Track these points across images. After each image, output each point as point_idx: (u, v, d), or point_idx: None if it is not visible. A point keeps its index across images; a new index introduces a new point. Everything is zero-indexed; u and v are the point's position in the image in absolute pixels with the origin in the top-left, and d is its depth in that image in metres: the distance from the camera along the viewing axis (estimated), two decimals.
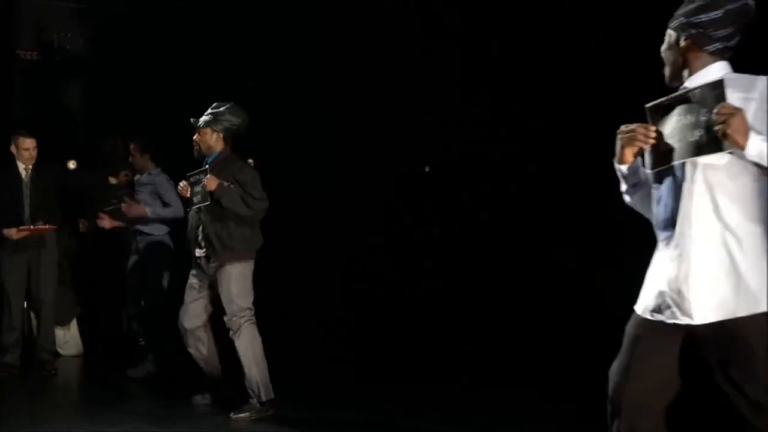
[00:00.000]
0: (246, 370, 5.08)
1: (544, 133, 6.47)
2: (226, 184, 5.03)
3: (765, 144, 2.40)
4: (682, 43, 2.70)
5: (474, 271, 7.17)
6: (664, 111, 2.61)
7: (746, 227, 2.53)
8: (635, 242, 5.93)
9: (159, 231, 6.46)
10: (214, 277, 5.13)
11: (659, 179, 2.69)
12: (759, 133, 2.40)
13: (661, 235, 2.70)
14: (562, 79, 6.29)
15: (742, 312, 2.50)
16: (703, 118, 2.45)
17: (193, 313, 5.25)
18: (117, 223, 6.58)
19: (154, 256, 6.45)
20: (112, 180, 6.67)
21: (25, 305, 6.83)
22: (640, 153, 2.74)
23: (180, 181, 5.38)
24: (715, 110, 2.38)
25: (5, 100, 9.04)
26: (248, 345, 5.08)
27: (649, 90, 5.69)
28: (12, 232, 6.37)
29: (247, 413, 5.08)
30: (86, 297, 7.59)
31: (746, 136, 2.36)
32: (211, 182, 4.98)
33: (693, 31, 2.66)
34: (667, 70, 2.79)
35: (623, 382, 2.82)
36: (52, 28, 9.36)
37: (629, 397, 2.80)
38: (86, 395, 6.43)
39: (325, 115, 7.86)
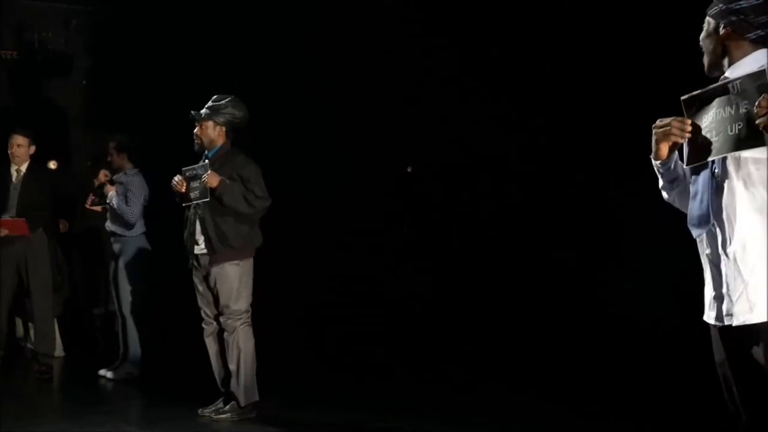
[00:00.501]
0: (234, 371, 4.95)
1: (542, 133, 6.44)
2: (228, 180, 4.89)
3: None
4: (722, 31, 2.61)
5: (472, 271, 7.13)
6: (700, 103, 2.50)
7: None
8: (634, 242, 6.07)
9: (133, 232, 6.40)
10: (212, 275, 4.98)
11: (696, 174, 2.59)
12: None
13: (695, 232, 2.59)
14: (561, 79, 6.26)
15: None
16: (743, 111, 2.35)
17: (206, 315, 5.14)
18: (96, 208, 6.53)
19: (128, 258, 6.40)
20: (96, 181, 6.53)
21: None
22: (677, 148, 2.64)
23: (173, 178, 5.19)
24: (756, 102, 2.28)
25: None
26: (241, 347, 4.95)
27: (648, 90, 5.74)
28: None
29: (229, 414, 4.98)
30: (66, 298, 7.48)
31: None
32: (212, 178, 4.83)
33: (733, 18, 2.56)
34: (705, 59, 2.69)
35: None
36: (34, 27, 9.20)
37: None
38: (67, 396, 6.39)
39: (317, 114, 7.82)
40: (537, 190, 6.56)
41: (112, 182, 6.44)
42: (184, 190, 4.98)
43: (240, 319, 4.95)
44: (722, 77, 2.56)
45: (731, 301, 2.46)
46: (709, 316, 2.58)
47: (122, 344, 6.49)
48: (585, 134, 6.09)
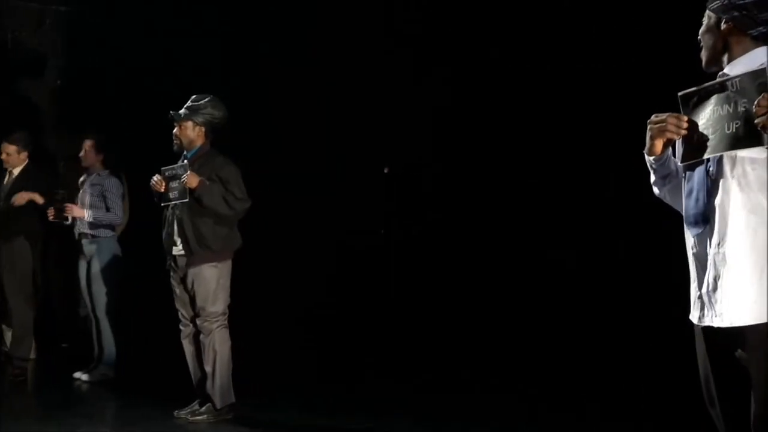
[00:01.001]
0: (209, 373, 4.93)
1: (542, 133, 6.40)
2: (207, 181, 4.85)
3: None
4: (723, 26, 2.55)
5: (466, 271, 7.08)
6: (697, 100, 2.46)
7: None
8: (634, 243, 6.07)
9: (109, 233, 6.37)
10: (190, 277, 4.94)
11: (691, 171, 2.55)
12: None
13: (692, 231, 2.55)
14: (561, 79, 6.24)
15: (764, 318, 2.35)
16: (742, 109, 2.30)
17: (184, 317, 5.11)
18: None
19: (104, 259, 6.35)
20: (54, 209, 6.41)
21: None
22: (671, 144, 2.60)
23: (152, 177, 5.13)
24: (756, 101, 2.23)
25: None
26: (217, 349, 4.92)
27: (648, 90, 5.74)
28: None
29: (205, 416, 4.95)
30: (40, 299, 7.17)
31: None
32: (192, 179, 4.79)
33: (735, 14, 2.50)
34: (704, 55, 2.64)
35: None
36: (7, 27, 8.99)
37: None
38: (41, 398, 6.33)
39: (297, 114, 7.78)
40: (536, 190, 6.53)
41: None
42: (162, 190, 4.93)
43: (216, 321, 4.92)
44: (720, 74, 2.53)
45: (717, 301, 2.43)
46: (693, 316, 2.56)
47: (97, 346, 6.43)
48: (584, 134, 6.06)
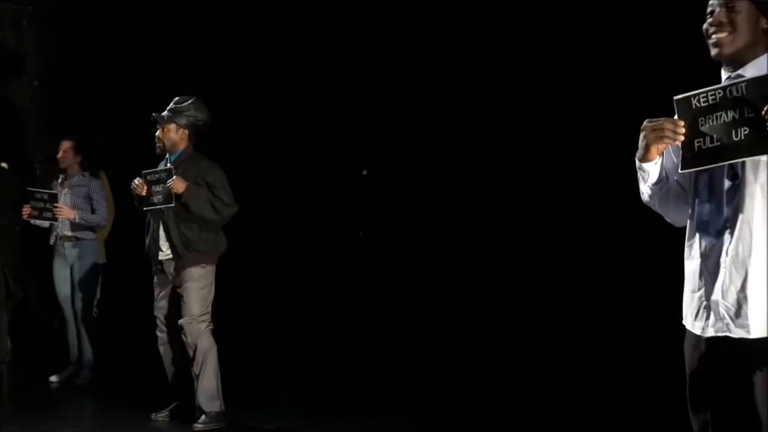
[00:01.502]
0: (198, 380, 4.82)
1: (542, 133, 6.38)
2: (194, 186, 4.78)
3: None
4: (765, 24, 2.37)
5: (464, 272, 7.00)
6: (696, 105, 2.33)
7: None
8: (633, 243, 6.05)
9: (88, 236, 6.32)
10: (176, 281, 4.88)
11: (702, 176, 2.41)
12: None
13: (702, 239, 2.40)
14: (558, 79, 6.24)
15: None
16: (749, 115, 2.20)
17: (164, 321, 5.03)
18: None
19: (89, 262, 6.33)
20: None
21: None
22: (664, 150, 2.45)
23: (133, 180, 5.06)
24: (766, 108, 2.14)
25: None
26: (205, 354, 4.82)
27: (647, 90, 5.72)
28: None
29: (202, 425, 4.82)
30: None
31: None
32: (178, 184, 4.71)
33: None
34: (727, 42, 2.40)
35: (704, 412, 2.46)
36: None
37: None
38: (17, 402, 6.02)
39: (277, 116, 7.71)
40: (535, 190, 6.49)
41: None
42: (144, 194, 4.87)
43: (203, 322, 4.85)
44: (735, 74, 2.38)
45: (732, 312, 2.31)
46: (695, 325, 2.45)
47: (77, 350, 6.40)
48: (584, 134, 6.04)
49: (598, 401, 5.41)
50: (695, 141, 2.32)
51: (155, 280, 4.99)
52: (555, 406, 5.41)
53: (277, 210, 7.26)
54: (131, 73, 7.84)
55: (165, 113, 4.91)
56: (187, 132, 4.90)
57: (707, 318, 2.38)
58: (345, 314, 7.49)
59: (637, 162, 2.48)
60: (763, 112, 2.14)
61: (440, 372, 6.44)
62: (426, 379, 6.28)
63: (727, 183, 2.35)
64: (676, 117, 2.38)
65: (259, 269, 7.24)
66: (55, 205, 6.12)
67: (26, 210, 6.10)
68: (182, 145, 4.92)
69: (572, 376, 5.91)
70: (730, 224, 2.32)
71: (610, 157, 5.74)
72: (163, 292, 4.95)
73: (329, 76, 7.40)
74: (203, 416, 4.80)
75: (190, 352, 4.81)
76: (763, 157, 2.25)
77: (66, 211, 6.10)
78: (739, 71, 2.38)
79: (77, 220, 6.16)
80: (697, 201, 2.43)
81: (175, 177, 4.71)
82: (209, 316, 4.87)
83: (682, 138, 2.34)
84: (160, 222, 4.85)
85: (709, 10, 2.43)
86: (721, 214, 2.35)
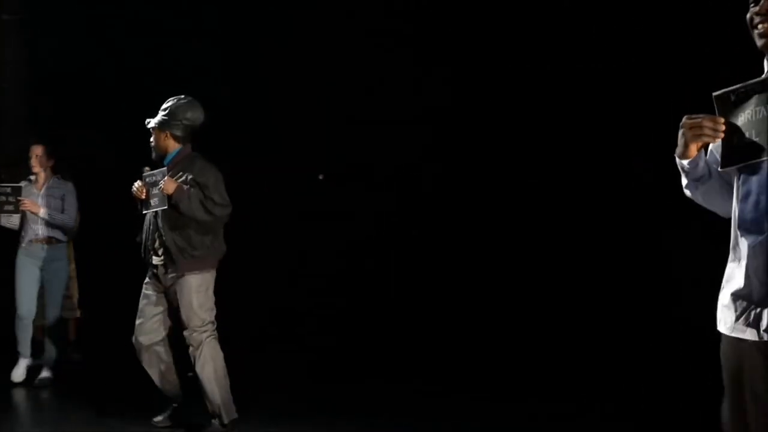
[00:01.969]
0: (207, 389, 4.67)
1: (539, 132, 6.39)
2: (185, 187, 4.61)
3: None
4: None
5: (463, 273, 7.01)
6: (735, 100, 2.28)
7: None
8: (630, 243, 6.07)
9: (62, 238, 6.39)
10: (172, 288, 4.70)
11: (747, 173, 2.32)
12: None
13: (749, 239, 2.30)
14: (558, 79, 6.23)
15: None
16: None
17: (151, 328, 4.82)
18: None
19: (62, 263, 6.43)
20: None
21: None
22: (705, 146, 2.40)
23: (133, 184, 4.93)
24: None
25: None
26: (210, 362, 4.67)
27: (647, 90, 5.75)
28: None
29: None
30: None
31: None
32: (168, 185, 4.57)
33: None
34: None
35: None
36: None
37: None
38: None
39: (294, 114, 7.69)
40: (535, 190, 6.48)
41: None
42: (144, 197, 4.74)
43: (205, 331, 4.68)
44: None
45: None
46: (743, 330, 2.32)
47: (29, 349, 6.38)
48: (584, 134, 6.05)
49: (598, 401, 5.42)
50: (735, 138, 2.27)
51: (150, 284, 4.82)
52: (555, 406, 5.41)
53: (276, 210, 7.25)
54: (130, 74, 7.82)
55: (157, 119, 4.79)
56: (180, 133, 4.76)
57: (755, 321, 2.28)
58: (345, 314, 7.49)
59: (676, 159, 2.43)
60: None
61: (440, 372, 6.44)
62: (426, 379, 6.27)
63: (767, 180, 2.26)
64: (716, 113, 2.32)
65: (259, 269, 7.22)
66: (19, 198, 6.13)
67: None
68: (177, 146, 4.79)
69: (572, 375, 5.92)
70: None
71: (610, 156, 5.80)
72: (154, 297, 4.79)
73: (328, 77, 7.40)
74: (215, 425, 4.71)
75: (196, 363, 4.68)
76: None
77: (30, 204, 6.12)
78: None
79: (42, 215, 6.17)
80: (740, 198, 2.34)
81: (165, 177, 4.60)
82: (212, 324, 4.73)
83: (721, 135, 2.29)
84: (155, 225, 4.73)
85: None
86: (764, 211, 2.26)
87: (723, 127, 2.28)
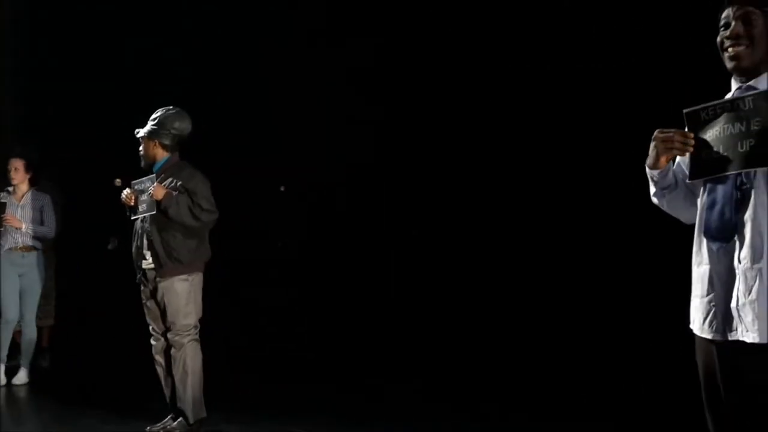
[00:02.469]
0: (181, 387, 4.85)
1: (539, 133, 6.39)
2: (174, 193, 4.80)
3: None
4: None
5: (462, 274, 7.01)
6: (704, 117, 2.43)
7: None
8: (628, 243, 6.06)
9: (40, 246, 6.66)
10: (160, 290, 4.87)
11: (713, 184, 2.46)
12: None
13: (714, 245, 2.45)
14: (558, 79, 6.23)
15: None
16: (756, 128, 2.29)
17: (155, 330, 5.03)
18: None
19: (42, 269, 6.69)
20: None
21: None
22: (673, 158, 2.55)
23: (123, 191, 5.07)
24: None
25: None
26: (188, 363, 4.85)
27: (647, 90, 5.74)
28: None
29: (178, 431, 4.86)
30: None
31: None
32: (157, 191, 4.75)
33: None
34: (745, 56, 2.44)
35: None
36: None
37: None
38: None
39: (293, 114, 7.74)
40: (537, 191, 6.49)
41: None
42: (133, 204, 4.93)
43: (188, 335, 4.86)
44: (746, 85, 2.44)
45: (747, 317, 2.34)
46: (704, 330, 2.47)
47: (21, 351, 6.62)
48: (584, 134, 6.05)
49: (598, 401, 5.43)
50: (703, 152, 2.41)
51: (141, 288, 4.98)
52: (555, 406, 5.42)
53: (277, 209, 7.28)
54: (78, 89, 7.97)
55: (146, 128, 4.96)
56: (168, 142, 4.94)
57: (720, 322, 2.42)
58: (345, 314, 7.49)
59: (647, 169, 2.56)
60: None
61: (440, 372, 6.45)
62: (426, 379, 6.29)
63: (735, 192, 2.40)
64: (686, 129, 2.46)
65: (259, 269, 7.25)
66: (3, 215, 6.40)
67: None
68: (165, 155, 4.96)
69: (572, 375, 5.93)
70: (741, 232, 2.37)
71: (610, 156, 5.78)
72: (149, 302, 4.95)
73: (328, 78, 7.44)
74: (178, 422, 4.85)
75: (174, 363, 4.86)
76: None
77: (13, 220, 6.41)
78: (751, 83, 2.44)
79: (24, 230, 6.45)
80: (705, 208, 2.48)
81: (155, 184, 4.78)
82: (195, 328, 4.88)
83: (690, 149, 2.43)
84: (144, 230, 4.89)
85: (722, 22, 2.47)
86: (731, 222, 2.40)
87: (692, 142, 2.43)
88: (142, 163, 5.00)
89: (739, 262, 2.37)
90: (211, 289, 5.09)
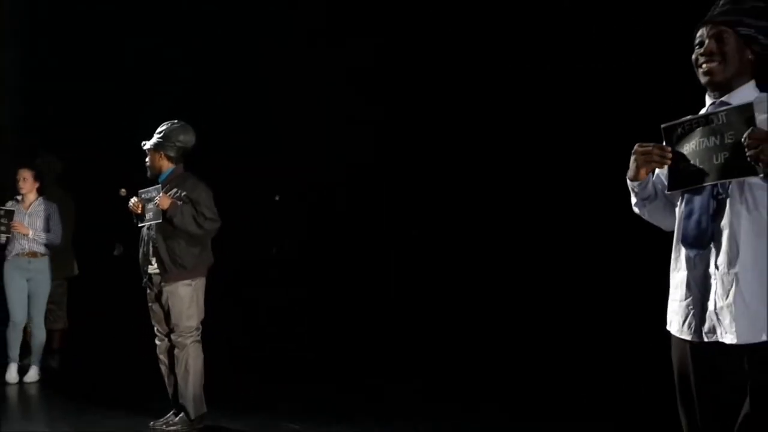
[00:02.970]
0: (183, 385, 5.10)
1: (539, 133, 6.38)
2: (179, 203, 5.06)
3: None
4: (750, 55, 2.55)
5: (461, 276, 6.98)
6: (681, 131, 2.56)
7: None
8: (628, 244, 6.05)
9: (47, 252, 6.88)
10: (165, 294, 5.12)
11: (690, 194, 2.59)
12: None
13: (691, 252, 2.58)
14: (558, 79, 6.23)
15: None
16: (729, 141, 2.42)
17: (160, 332, 5.29)
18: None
19: (47, 274, 6.89)
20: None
21: None
22: (653, 170, 2.69)
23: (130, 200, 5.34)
24: (745, 134, 2.34)
25: None
26: (190, 363, 5.10)
27: (647, 90, 5.74)
28: None
29: (179, 426, 5.09)
30: None
31: None
32: (164, 201, 5.03)
33: (763, 42, 2.52)
34: (719, 72, 2.54)
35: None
36: None
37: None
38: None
39: (295, 115, 7.74)
40: (537, 192, 6.48)
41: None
42: (139, 212, 5.19)
43: (190, 336, 5.10)
44: (720, 101, 2.56)
45: (724, 319, 2.47)
46: (683, 331, 2.60)
47: (22, 351, 6.83)
48: (584, 134, 6.04)
49: (598, 401, 5.44)
50: (680, 164, 2.55)
51: (147, 292, 5.22)
52: (555, 406, 5.42)
53: (276, 210, 7.28)
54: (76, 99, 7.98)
55: (152, 141, 5.20)
56: (173, 155, 5.19)
57: (697, 324, 2.53)
58: (345, 314, 7.50)
59: (628, 180, 2.70)
60: (742, 138, 2.33)
61: (440, 372, 6.46)
62: (426, 379, 6.30)
63: (712, 202, 2.53)
64: (663, 142, 2.59)
65: (258, 269, 7.25)
66: (12, 223, 6.62)
67: None
68: (170, 166, 5.21)
69: (572, 375, 5.94)
70: (718, 239, 2.50)
71: (609, 157, 5.78)
72: (154, 305, 5.18)
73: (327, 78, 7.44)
74: (179, 418, 5.07)
75: (177, 363, 5.09)
76: (751, 178, 2.42)
77: (21, 227, 6.64)
78: (724, 98, 2.56)
79: (32, 236, 6.69)
80: (683, 217, 2.60)
81: (160, 194, 5.02)
82: (196, 330, 5.11)
83: (668, 162, 2.55)
84: (150, 237, 5.13)
85: (697, 41, 2.59)
86: (708, 230, 2.52)
87: (670, 155, 2.55)
88: (148, 174, 5.27)
89: (716, 267, 2.49)
90: (212, 290, 5.21)
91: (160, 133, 5.22)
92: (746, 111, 2.38)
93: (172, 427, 5.05)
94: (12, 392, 6.38)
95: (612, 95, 5.82)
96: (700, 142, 2.50)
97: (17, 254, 6.72)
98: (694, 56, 2.59)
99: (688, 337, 2.56)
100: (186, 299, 5.06)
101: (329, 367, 6.93)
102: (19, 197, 6.80)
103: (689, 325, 2.56)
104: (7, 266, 6.75)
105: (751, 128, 2.33)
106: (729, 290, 2.47)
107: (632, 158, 2.63)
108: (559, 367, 6.14)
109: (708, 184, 2.49)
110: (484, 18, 6.64)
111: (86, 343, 7.72)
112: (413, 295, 7.28)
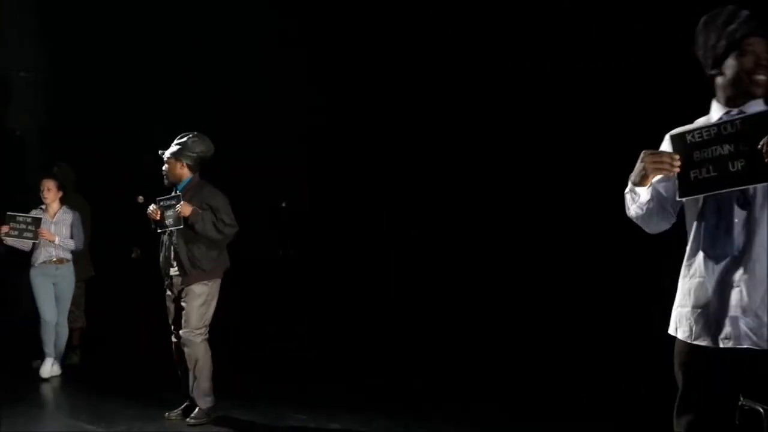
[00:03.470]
0: (191, 381, 5.38)
1: (539, 133, 6.39)
2: (200, 210, 5.32)
3: None
4: None
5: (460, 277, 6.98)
6: (690, 139, 2.60)
7: None
8: (627, 245, 6.04)
9: (71, 258, 7.18)
10: (182, 294, 5.41)
11: (707, 204, 2.64)
12: None
13: (709, 260, 2.62)
14: (558, 79, 6.23)
15: None
16: (745, 149, 2.46)
17: (177, 329, 5.54)
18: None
19: (71, 278, 7.20)
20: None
21: None
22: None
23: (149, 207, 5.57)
24: (762, 142, 2.39)
25: None
26: (200, 358, 5.36)
27: (647, 90, 5.74)
28: None
29: (195, 419, 5.34)
30: None
31: None
32: (185, 208, 5.28)
33: None
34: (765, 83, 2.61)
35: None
36: None
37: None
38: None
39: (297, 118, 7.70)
40: (534, 191, 6.48)
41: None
42: (158, 218, 5.43)
43: (200, 334, 5.36)
44: (737, 110, 2.61)
45: (753, 325, 2.50)
46: (703, 338, 2.60)
47: (53, 346, 7.12)
48: (584, 134, 6.05)
49: (598, 401, 5.45)
50: (691, 172, 2.58)
51: (167, 293, 5.50)
52: (555, 406, 5.44)
53: (275, 210, 7.29)
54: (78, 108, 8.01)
55: (172, 149, 5.44)
56: (190, 164, 5.44)
57: (714, 330, 2.56)
58: (344, 314, 7.52)
59: (630, 185, 2.73)
60: (759, 145, 2.38)
61: (440, 372, 6.47)
62: (426, 379, 6.32)
63: (737, 210, 2.56)
64: (667, 149, 2.64)
65: (258, 269, 7.25)
66: (39, 230, 6.88)
67: (4, 229, 6.82)
68: (188, 176, 5.46)
69: (571, 375, 5.95)
70: (744, 247, 2.54)
71: (609, 157, 5.77)
72: (173, 305, 5.45)
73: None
74: (197, 411, 5.36)
75: (188, 358, 5.37)
76: None
77: (47, 234, 6.92)
78: (741, 107, 2.61)
79: (57, 242, 6.99)
80: (703, 225, 2.64)
81: (182, 202, 5.27)
82: (206, 329, 5.38)
83: (677, 169, 2.59)
84: (171, 242, 5.40)
85: (749, 48, 2.61)
86: (732, 237, 2.56)
87: (678, 163, 2.59)
88: (166, 182, 5.52)
89: (745, 274, 2.52)
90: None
91: (179, 143, 5.45)
92: (763, 120, 2.44)
93: (192, 420, 5.29)
94: (36, 385, 6.65)
95: (612, 95, 5.82)
96: (712, 150, 2.53)
97: (44, 261, 7.01)
98: (750, 65, 2.60)
99: (703, 343, 2.58)
100: (201, 298, 5.33)
101: (329, 367, 6.94)
102: (43, 206, 7.05)
103: (704, 330, 2.58)
104: (35, 272, 7.03)
105: (766, 137, 2.37)
106: (758, 297, 2.50)
107: (639, 165, 2.64)
108: (559, 367, 6.16)
109: (726, 190, 2.52)
110: (484, 18, 6.66)
111: (103, 340, 7.97)
112: (413, 295, 7.29)
